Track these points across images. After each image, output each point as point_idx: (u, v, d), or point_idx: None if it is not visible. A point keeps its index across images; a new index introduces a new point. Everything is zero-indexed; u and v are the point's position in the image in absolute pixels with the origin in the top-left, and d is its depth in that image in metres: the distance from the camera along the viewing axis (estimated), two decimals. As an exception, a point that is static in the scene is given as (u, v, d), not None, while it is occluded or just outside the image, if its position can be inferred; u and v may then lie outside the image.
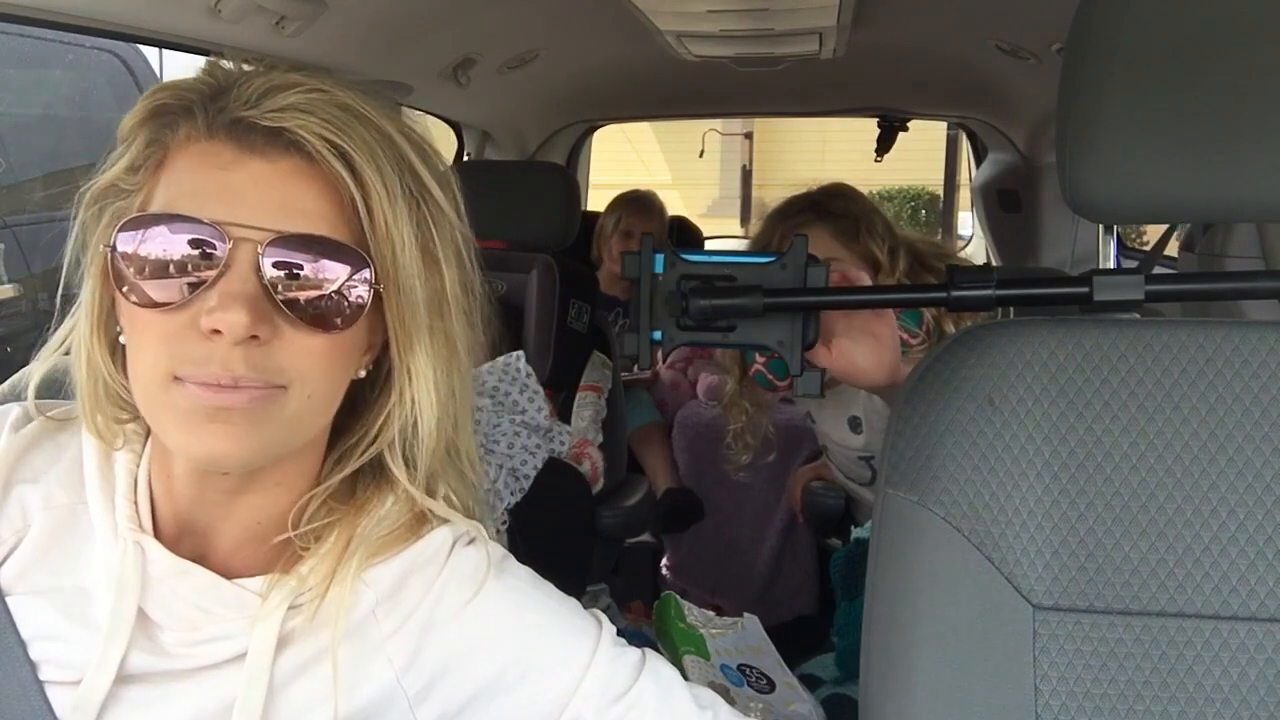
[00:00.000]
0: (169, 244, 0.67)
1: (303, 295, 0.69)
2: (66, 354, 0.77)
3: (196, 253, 0.67)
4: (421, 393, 0.75)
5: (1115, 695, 0.92)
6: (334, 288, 0.70)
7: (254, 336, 0.67)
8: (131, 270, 0.68)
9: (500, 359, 2.06)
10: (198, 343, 0.67)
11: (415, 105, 2.48)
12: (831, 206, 1.76)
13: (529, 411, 2.07)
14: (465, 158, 3.06)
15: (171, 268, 0.67)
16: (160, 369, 0.68)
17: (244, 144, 0.69)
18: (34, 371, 0.79)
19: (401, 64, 2.19)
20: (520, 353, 2.11)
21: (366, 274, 0.71)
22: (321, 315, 0.70)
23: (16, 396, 0.88)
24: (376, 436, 0.77)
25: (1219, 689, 0.91)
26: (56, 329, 0.77)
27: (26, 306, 2.99)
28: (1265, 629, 0.91)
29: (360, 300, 0.71)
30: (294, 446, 0.74)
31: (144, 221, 0.69)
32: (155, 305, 0.68)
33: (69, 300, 0.76)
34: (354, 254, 0.70)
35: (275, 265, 0.68)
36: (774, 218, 1.81)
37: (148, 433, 0.77)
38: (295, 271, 0.68)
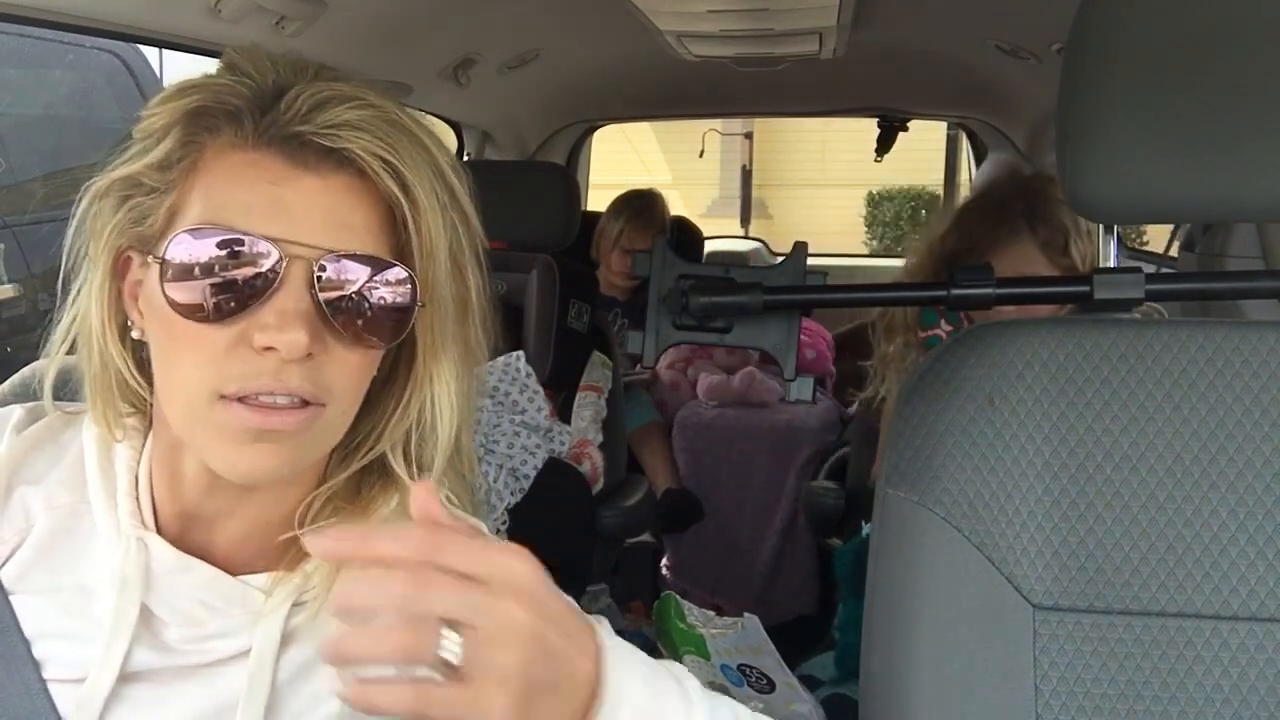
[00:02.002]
0: (223, 257, 0.67)
1: (354, 313, 0.69)
2: (70, 352, 0.77)
3: (251, 269, 0.67)
4: (442, 397, 0.76)
5: (1115, 695, 0.92)
6: (383, 306, 0.71)
7: (309, 354, 0.67)
8: (180, 282, 0.68)
9: (500, 359, 2.06)
10: (248, 358, 0.67)
11: (415, 105, 2.47)
12: (1045, 214, 1.52)
13: (529, 411, 2.07)
14: (465, 158, 3.06)
15: (224, 282, 0.67)
16: (207, 386, 0.68)
17: (296, 159, 0.69)
18: (49, 368, 0.79)
19: (401, 64, 2.19)
20: (520, 353, 2.11)
21: (413, 291, 0.72)
22: (369, 332, 0.71)
23: (20, 395, 0.88)
24: (383, 435, 0.78)
25: (1219, 689, 0.91)
26: (59, 321, 0.77)
27: (26, 306, 2.98)
28: (1265, 629, 0.91)
29: (406, 317, 0.72)
30: (324, 454, 0.76)
31: (197, 232, 0.68)
32: (206, 319, 0.68)
33: (68, 293, 0.76)
34: (402, 271, 0.71)
35: (329, 283, 0.68)
36: (980, 219, 1.55)
37: (147, 428, 0.77)
38: (348, 290, 0.69)
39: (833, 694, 1.60)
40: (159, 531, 0.75)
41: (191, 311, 0.68)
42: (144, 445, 0.77)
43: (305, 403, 0.69)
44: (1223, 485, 0.91)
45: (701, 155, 5.92)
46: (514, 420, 2.04)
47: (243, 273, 0.67)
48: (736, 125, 10.16)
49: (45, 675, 0.73)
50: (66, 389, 0.80)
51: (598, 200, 3.41)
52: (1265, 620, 0.91)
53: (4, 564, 0.76)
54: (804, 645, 1.92)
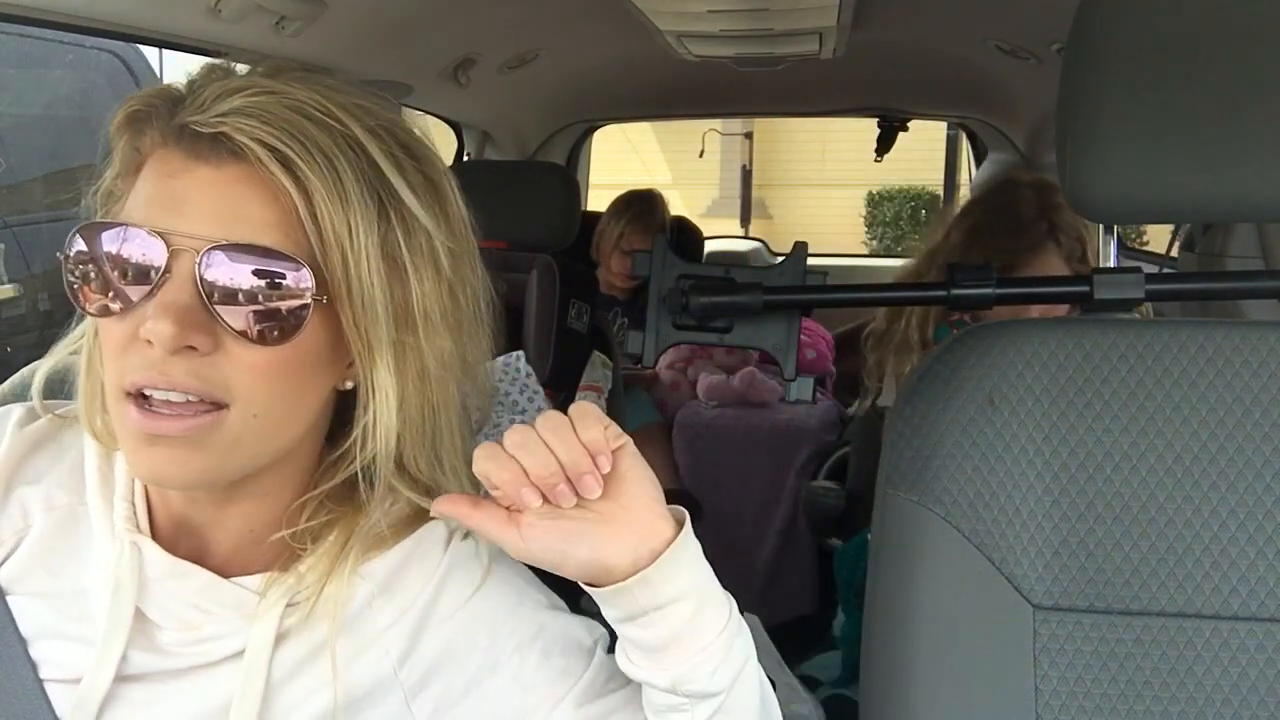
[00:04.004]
0: (116, 252, 0.67)
1: (241, 306, 0.67)
2: (74, 354, 0.77)
3: (141, 261, 0.67)
4: (382, 408, 0.73)
5: (1115, 695, 0.92)
6: (274, 299, 0.68)
7: (191, 347, 0.66)
8: (83, 278, 0.68)
9: (500, 359, 2.06)
10: (141, 351, 0.66)
11: (415, 105, 2.48)
12: (1065, 225, 1.55)
13: (529, 411, 2.06)
14: (465, 158, 3.06)
15: (118, 276, 0.67)
16: (114, 383, 0.68)
17: (192, 151, 0.68)
18: (40, 368, 0.79)
19: (401, 64, 2.19)
20: (520, 353, 2.10)
21: (309, 285, 0.68)
22: (261, 327, 0.68)
23: (19, 395, 0.88)
24: (362, 447, 0.76)
25: (1219, 689, 0.91)
26: (75, 327, 0.77)
27: (27, 306, 2.99)
28: (1265, 629, 0.91)
29: (301, 312, 0.68)
30: (254, 465, 0.72)
31: (93, 229, 0.68)
32: (104, 314, 0.68)
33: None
34: (297, 264, 0.68)
35: (213, 274, 0.66)
36: (1003, 239, 1.54)
37: None
38: (234, 281, 0.67)
39: (833, 694, 1.60)
40: (155, 535, 0.75)
41: (94, 309, 0.68)
42: None
43: (205, 404, 0.67)
44: (1223, 485, 0.91)
45: (701, 155, 5.93)
46: (514, 420, 2.04)
47: (135, 266, 0.67)
48: (736, 125, 10.16)
49: (42, 675, 0.73)
50: (67, 389, 0.80)
51: (598, 200, 3.40)
52: (1265, 620, 0.91)
53: (1, 564, 0.76)
54: (804, 645, 1.92)
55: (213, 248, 0.66)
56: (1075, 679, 0.92)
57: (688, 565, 0.71)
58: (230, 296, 0.67)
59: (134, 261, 0.67)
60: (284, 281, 0.68)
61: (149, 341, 0.65)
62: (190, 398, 0.67)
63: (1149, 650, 0.92)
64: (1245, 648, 0.91)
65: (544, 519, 0.68)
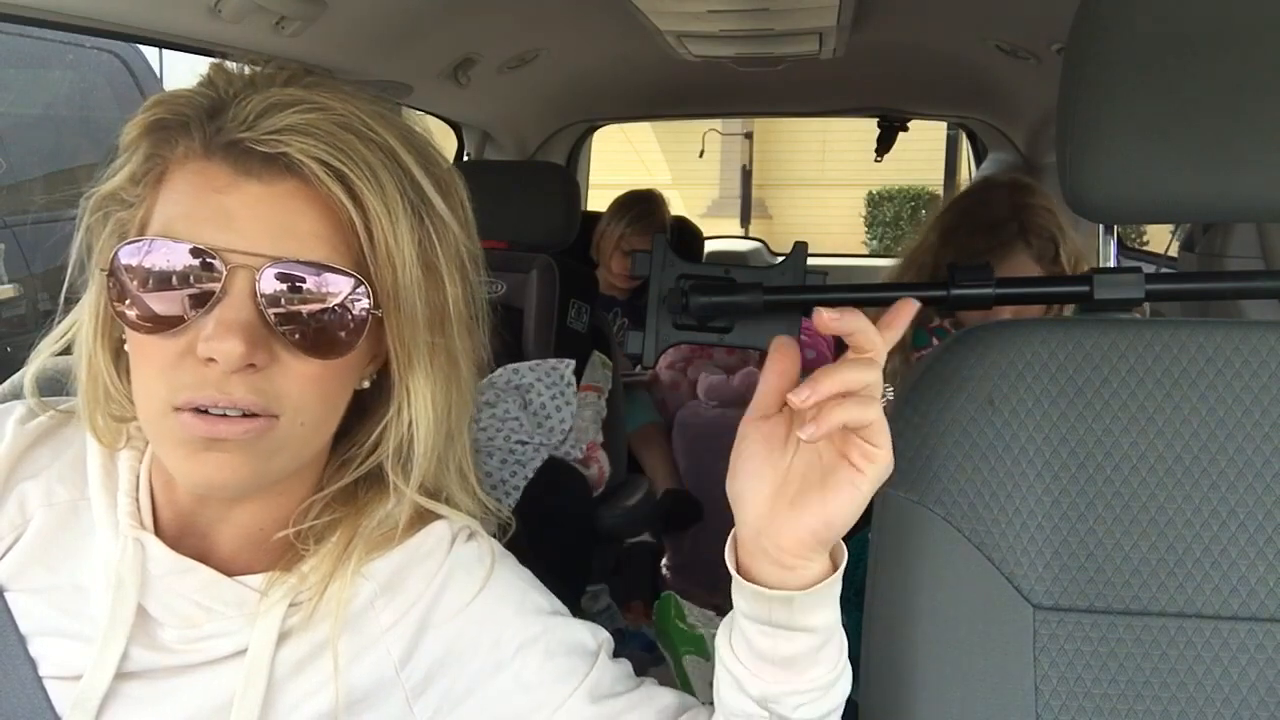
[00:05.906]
0: (166, 268, 0.67)
1: (300, 322, 0.68)
2: (66, 352, 0.77)
3: (193, 278, 0.67)
4: (419, 410, 0.74)
5: (1115, 695, 0.92)
6: (332, 314, 0.69)
7: (251, 365, 0.66)
8: (130, 293, 0.68)
9: (551, 361, 2.08)
10: (195, 368, 0.67)
11: (415, 105, 2.48)
12: (1036, 226, 1.57)
13: (553, 417, 2.07)
14: (465, 158, 3.06)
15: (169, 293, 0.67)
16: (160, 398, 0.68)
17: (240, 166, 0.68)
18: (30, 366, 0.79)
19: (401, 64, 2.19)
20: (571, 362, 2.12)
21: (365, 299, 0.70)
22: (319, 342, 0.69)
23: (19, 396, 0.88)
24: (376, 447, 0.77)
25: (1219, 689, 0.91)
26: (59, 324, 0.77)
27: (27, 307, 2.99)
28: (1265, 629, 0.91)
29: (359, 326, 0.70)
30: (295, 468, 0.74)
31: (142, 244, 0.68)
32: (153, 330, 0.68)
33: (71, 302, 0.76)
34: (353, 279, 0.69)
35: (272, 292, 0.67)
36: (974, 238, 1.57)
37: None
38: (292, 298, 0.67)
39: (833, 694, 1.59)
40: (158, 532, 0.75)
41: (139, 324, 0.68)
42: (146, 448, 0.77)
43: (256, 414, 0.68)
44: (1223, 485, 0.91)
45: (701, 155, 5.94)
46: (518, 422, 2.04)
47: (186, 283, 0.67)
48: (736, 125, 10.17)
49: (41, 673, 0.73)
50: (66, 388, 0.80)
51: (598, 200, 3.41)
52: (1265, 620, 0.91)
53: (0, 560, 0.76)
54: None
55: (271, 264, 0.67)
56: (1075, 679, 0.92)
57: (830, 605, 0.71)
58: (289, 313, 0.67)
59: (186, 278, 0.67)
60: (341, 296, 0.69)
61: (209, 360, 0.65)
62: (242, 411, 0.67)
63: (1149, 650, 0.92)
64: (1245, 648, 0.91)
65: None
